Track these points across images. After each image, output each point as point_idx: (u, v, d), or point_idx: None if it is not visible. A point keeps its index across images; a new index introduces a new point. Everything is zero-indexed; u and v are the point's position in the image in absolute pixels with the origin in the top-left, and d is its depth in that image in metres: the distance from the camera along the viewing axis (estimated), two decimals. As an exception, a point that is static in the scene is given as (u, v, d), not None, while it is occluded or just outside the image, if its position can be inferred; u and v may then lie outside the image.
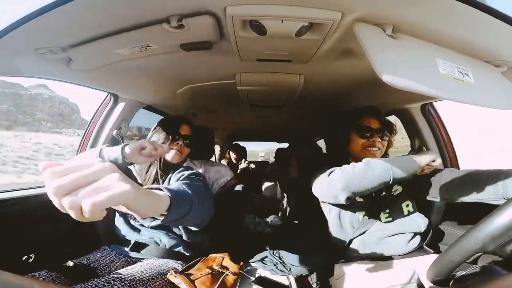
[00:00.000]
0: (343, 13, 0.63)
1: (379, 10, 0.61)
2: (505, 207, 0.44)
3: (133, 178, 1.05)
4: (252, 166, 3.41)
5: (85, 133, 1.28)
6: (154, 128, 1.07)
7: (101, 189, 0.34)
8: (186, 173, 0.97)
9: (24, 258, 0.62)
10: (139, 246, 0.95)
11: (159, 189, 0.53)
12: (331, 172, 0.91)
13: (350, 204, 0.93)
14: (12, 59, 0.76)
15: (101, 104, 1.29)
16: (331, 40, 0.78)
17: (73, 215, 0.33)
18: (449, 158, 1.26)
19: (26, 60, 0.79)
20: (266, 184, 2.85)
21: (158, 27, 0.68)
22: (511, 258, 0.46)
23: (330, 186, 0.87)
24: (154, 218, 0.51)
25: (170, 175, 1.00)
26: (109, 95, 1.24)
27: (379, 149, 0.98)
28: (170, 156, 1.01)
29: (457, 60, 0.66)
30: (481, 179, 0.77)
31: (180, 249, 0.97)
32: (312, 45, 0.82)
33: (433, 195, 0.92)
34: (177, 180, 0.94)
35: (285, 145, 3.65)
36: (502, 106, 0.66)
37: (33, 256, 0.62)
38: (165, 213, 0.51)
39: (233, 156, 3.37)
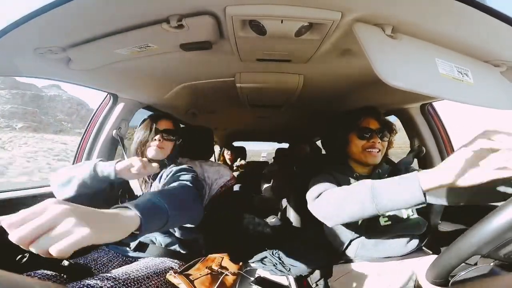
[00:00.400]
0: (342, 13, 0.63)
1: (379, 10, 0.61)
2: (496, 212, 0.44)
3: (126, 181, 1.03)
4: (237, 164, 3.15)
5: (84, 133, 1.27)
6: (137, 128, 1.07)
7: (62, 235, 0.36)
8: (174, 169, 0.97)
9: (18, 257, 0.62)
10: (137, 246, 0.94)
11: (128, 207, 0.53)
12: (319, 194, 0.83)
13: None
14: (11, 59, 0.76)
15: (101, 104, 1.29)
16: (331, 40, 0.78)
17: (44, 256, 0.36)
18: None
19: (26, 60, 0.79)
20: (266, 185, 2.84)
21: (157, 27, 0.68)
22: (506, 261, 0.46)
23: (315, 210, 0.85)
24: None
25: (161, 173, 1.00)
26: (108, 95, 1.24)
27: (379, 150, 0.96)
28: (151, 153, 1.00)
29: (456, 60, 0.66)
30: None
31: (176, 247, 0.97)
32: (312, 45, 0.82)
33: (437, 200, 0.91)
34: (167, 177, 0.94)
35: (285, 145, 3.65)
36: (501, 106, 0.66)
37: (27, 256, 0.62)
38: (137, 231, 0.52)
39: (227, 156, 3.29)
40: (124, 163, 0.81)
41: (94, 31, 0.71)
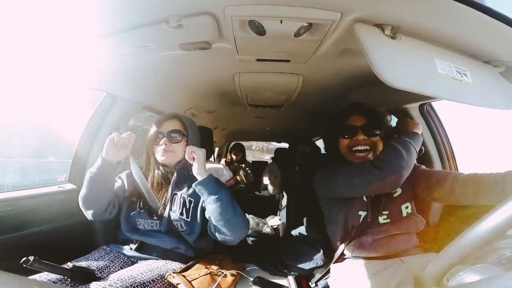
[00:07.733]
0: (342, 13, 0.63)
1: (378, 10, 0.61)
2: (492, 213, 0.45)
3: (133, 180, 1.01)
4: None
5: (83, 133, 1.27)
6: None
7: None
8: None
9: (22, 260, 0.62)
10: (140, 247, 0.93)
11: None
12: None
13: (354, 203, 0.94)
14: (10, 59, 0.76)
15: (99, 104, 1.28)
16: (330, 40, 0.79)
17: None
18: (447, 157, 1.27)
19: (25, 60, 0.78)
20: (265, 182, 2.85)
21: (157, 27, 0.68)
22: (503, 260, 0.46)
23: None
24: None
25: (185, 183, 0.98)
26: (107, 95, 1.24)
27: (368, 148, 0.93)
28: (159, 158, 0.97)
29: (455, 60, 0.66)
30: (482, 182, 0.78)
31: (182, 250, 0.95)
32: (311, 45, 0.82)
33: (438, 199, 0.92)
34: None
35: (284, 145, 3.65)
36: (500, 106, 0.66)
37: (31, 259, 0.62)
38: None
39: (234, 156, 3.34)
40: (106, 144, 0.89)
41: (94, 30, 0.71)
